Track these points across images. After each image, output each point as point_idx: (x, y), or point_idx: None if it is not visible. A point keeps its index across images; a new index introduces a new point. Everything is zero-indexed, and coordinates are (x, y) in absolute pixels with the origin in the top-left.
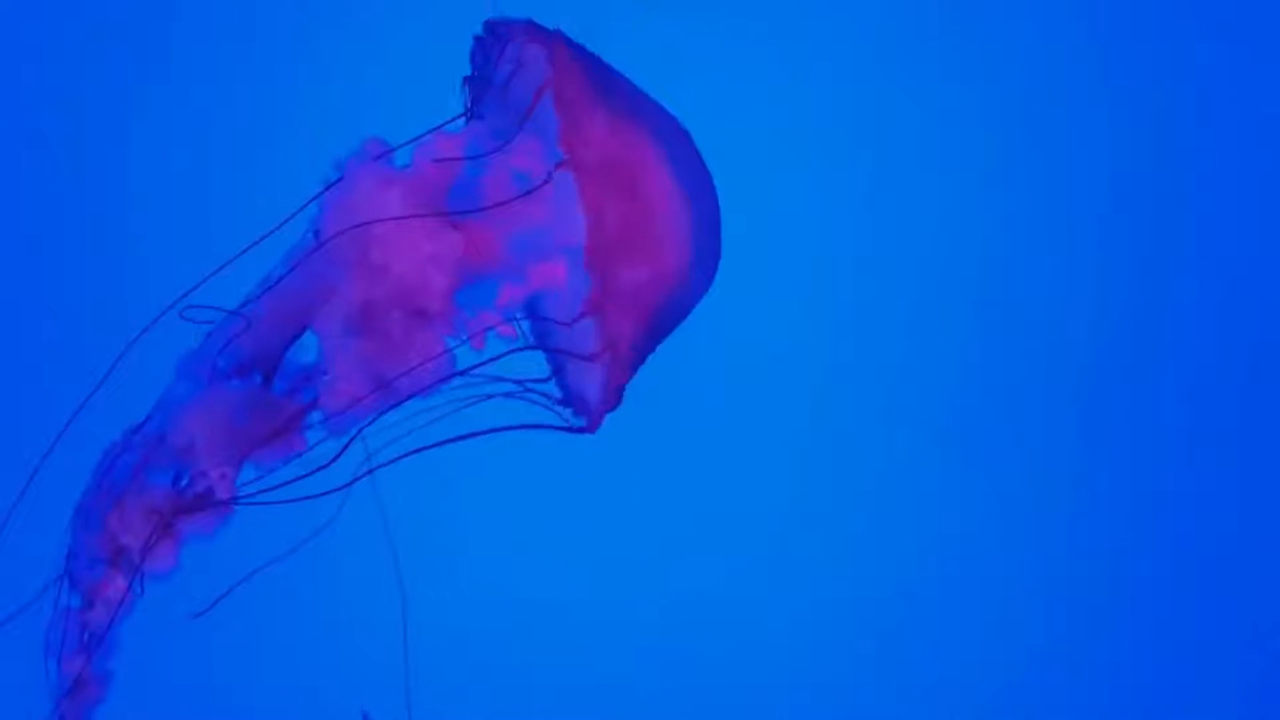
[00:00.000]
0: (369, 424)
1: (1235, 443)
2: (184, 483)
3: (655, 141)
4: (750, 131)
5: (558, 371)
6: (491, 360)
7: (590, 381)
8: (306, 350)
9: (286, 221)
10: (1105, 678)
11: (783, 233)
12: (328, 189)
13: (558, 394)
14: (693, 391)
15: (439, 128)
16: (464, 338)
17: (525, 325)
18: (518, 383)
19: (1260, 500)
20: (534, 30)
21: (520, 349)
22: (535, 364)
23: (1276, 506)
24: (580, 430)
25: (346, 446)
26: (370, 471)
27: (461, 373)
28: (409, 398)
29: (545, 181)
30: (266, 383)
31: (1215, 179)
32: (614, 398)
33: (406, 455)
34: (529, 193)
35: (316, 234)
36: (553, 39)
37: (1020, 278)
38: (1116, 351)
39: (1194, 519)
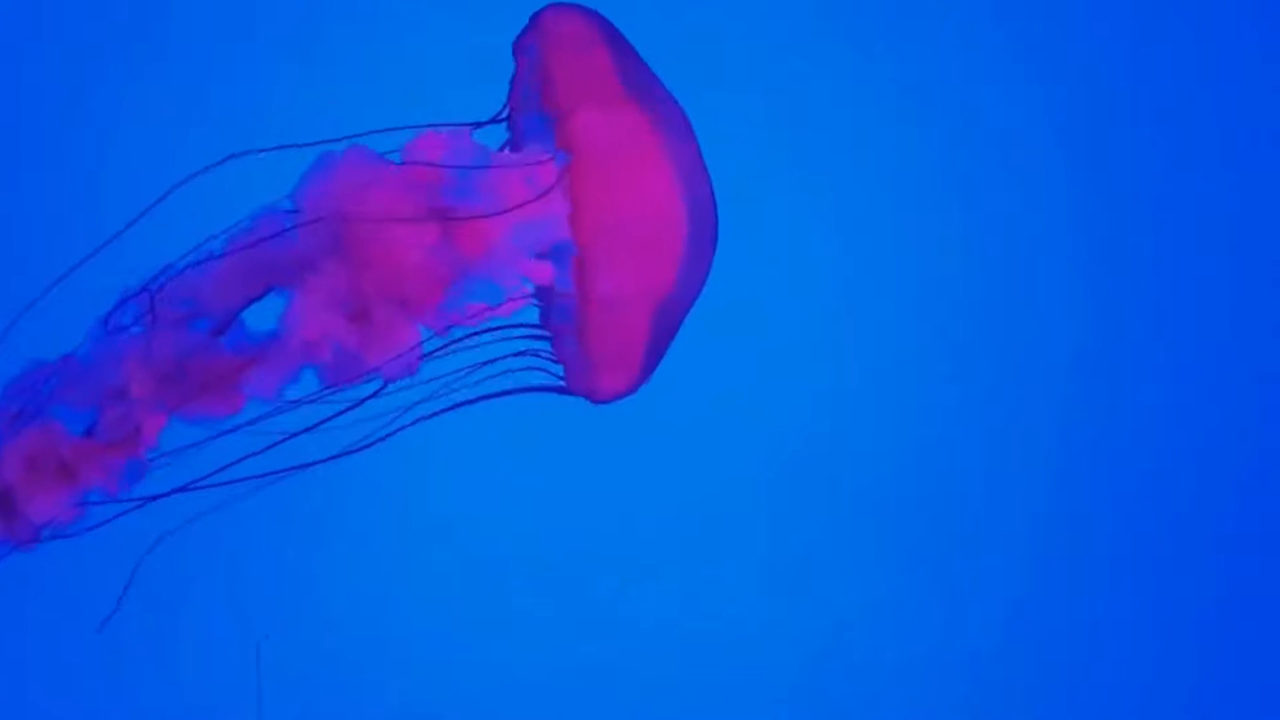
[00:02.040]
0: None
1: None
2: (95, 432)
3: (662, 132)
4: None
5: (560, 362)
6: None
7: (592, 371)
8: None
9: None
10: (1107, 683)
11: (774, 232)
12: (316, 168)
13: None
14: (692, 388)
15: (439, 122)
16: (447, 329)
17: (523, 316)
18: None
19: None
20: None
21: (508, 339)
22: (529, 357)
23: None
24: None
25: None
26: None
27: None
28: (366, 378)
29: (546, 175)
30: (216, 334)
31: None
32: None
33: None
34: (528, 186)
35: (297, 205)
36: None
37: (1026, 281)
38: (1123, 363)
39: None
